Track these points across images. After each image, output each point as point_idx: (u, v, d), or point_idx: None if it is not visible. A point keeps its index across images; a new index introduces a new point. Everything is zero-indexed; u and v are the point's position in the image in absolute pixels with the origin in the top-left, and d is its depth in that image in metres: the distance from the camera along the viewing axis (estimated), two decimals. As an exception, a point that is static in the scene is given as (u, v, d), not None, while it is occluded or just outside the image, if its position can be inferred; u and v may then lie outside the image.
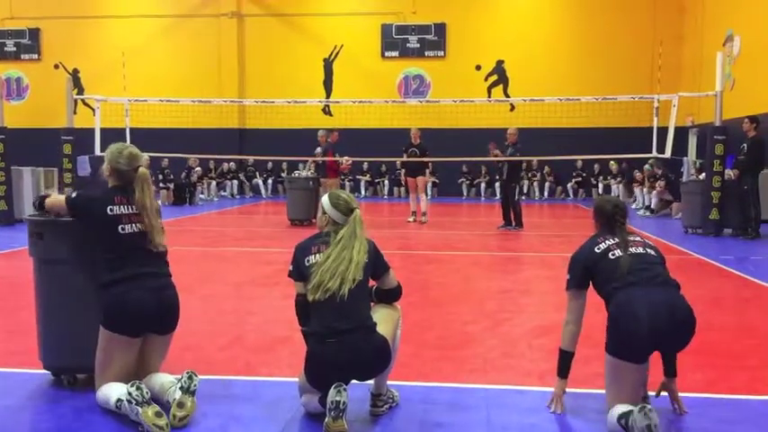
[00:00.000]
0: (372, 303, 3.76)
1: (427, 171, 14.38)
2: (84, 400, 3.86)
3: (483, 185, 23.23)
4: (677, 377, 3.70)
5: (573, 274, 3.69)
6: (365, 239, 3.65)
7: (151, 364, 3.85)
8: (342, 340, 3.43)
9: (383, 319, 3.64)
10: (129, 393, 3.43)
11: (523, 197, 22.83)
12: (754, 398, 4.00)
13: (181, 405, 3.50)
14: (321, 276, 3.50)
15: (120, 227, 3.74)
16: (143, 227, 3.78)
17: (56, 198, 3.99)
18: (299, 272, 3.62)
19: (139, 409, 3.39)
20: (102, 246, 3.76)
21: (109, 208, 3.76)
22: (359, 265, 3.54)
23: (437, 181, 23.31)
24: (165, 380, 3.73)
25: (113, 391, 3.59)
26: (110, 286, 3.70)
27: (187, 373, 3.62)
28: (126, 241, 3.74)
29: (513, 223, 12.92)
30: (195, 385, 3.58)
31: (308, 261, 3.59)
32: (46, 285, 4.08)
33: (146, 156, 4.02)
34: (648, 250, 3.63)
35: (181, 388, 3.56)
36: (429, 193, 22.63)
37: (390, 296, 3.80)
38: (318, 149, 14.01)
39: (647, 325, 3.33)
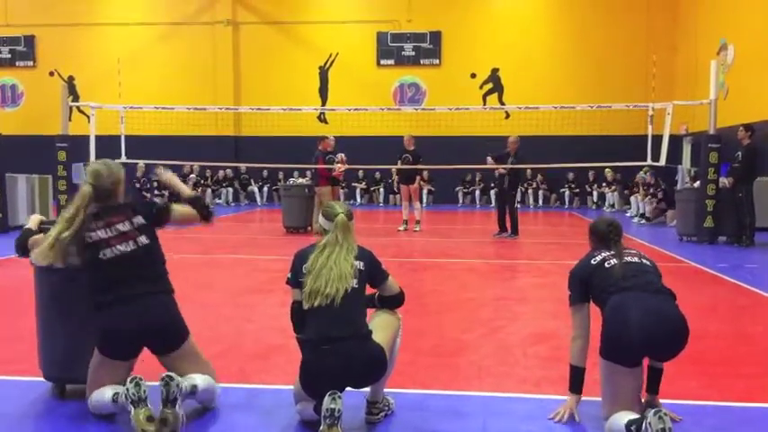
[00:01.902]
0: (374, 309, 3.77)
1: (417, 178, 14.17)
2: (80, 408, 3.84)
3: (478, 193, 23.26)
4: (659, 395, 3.73)
5: (573, 288, 3.74)
6: (355, 246, 3.66)
7: (184, 373, 3.67)
8: (336, 348, 3.43)
9: (382, 327, 3.64)
10: (127, 390, 3.35)
11: (518, 205, 22.91)
12: (749, 405, 4.01)
13: (164, 422, 3.31)
14: (313, 283, 3.52)
15: (101, 252, 3.63)
16: (126, 247, 3.65)
17: (38, 237, 3.83)
18: (297, 279, 3.63)
19: (133, 409, 3.32)
20: (87, 271, 3.68)
21: (88, 235, 3.64)
22: (351, 269, 3.54)
23: (432, 189, 23.33)
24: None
25: (107, 390, 3.54)
26: (97, 310, 3.63)
27: (162, 380, 3.37)
28: (108, 266, 3.63)
29: (509, 231, 12.91)
30: (173, 393, 3.34)
31: (306, 269, 3.61)
32: (46, 294, 4.05)
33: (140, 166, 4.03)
34: (644, 261, 3.71)
35: (162, 401, 3.36)
36: (425, 200, 22.66)
37: (392, 303, 3.80)
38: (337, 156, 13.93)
39: (638, 328, 3.37)
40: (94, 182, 3.70)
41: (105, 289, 3.62)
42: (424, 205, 22.35)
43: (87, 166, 3.84)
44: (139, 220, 3.73)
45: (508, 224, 12.98)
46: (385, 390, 3.71)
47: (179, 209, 3.98)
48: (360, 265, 3.61)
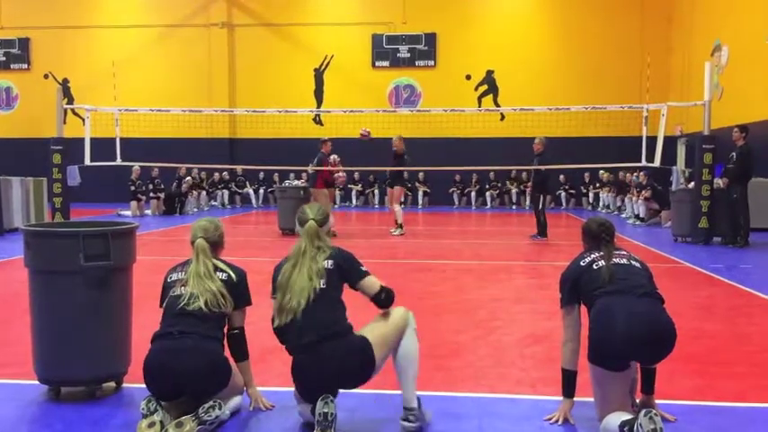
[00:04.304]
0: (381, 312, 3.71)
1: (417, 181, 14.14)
2: (75, 411, 3.85)
3: (474, 195, 23.28)
4: (654, 394, 3.73)
5: (563, 291, 3.72)
6: (327, 247, 3.62)
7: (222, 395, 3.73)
8: (309, 355, 3.43)
9: (373, 324, 3.61)
10: (141, 407, 3.45)
11: (513, 206, 22.97)
12: (743, 405, 4.01)
13: (179, 425, 3.41)
14: (281, 299, 3.53)
15: (172, 290, 3.78)
16: (188, 289, 3.73)
17: None
18: (275, 290, 3.64)
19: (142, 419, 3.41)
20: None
21: (169, 276, 3.87)
22: (315, 274, 3.51)
23: (428, 190, 23.35)
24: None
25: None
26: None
27: (213, 403, 3.53)
28: (169, 302, 3.76)
29: (537, 232, 12.80)
30: (209, 416, 3.48)
31: (278, 279, 3.62)
32: (40, 296, 4.05)
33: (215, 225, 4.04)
34: (633, 262, 3.68)
35: (196, 413, 3.48)
36: (420, 202, 22.70)
37: (378, 303, 3.67)
38: (333, 159, 14.00)
39: (624, 333, 3.35)
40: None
41: (161, 323, 3.77)
42: (419, 207, 22.43)
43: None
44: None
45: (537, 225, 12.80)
46: (390, 392, 3.67)
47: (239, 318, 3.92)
48: (328, 264, 3.57)
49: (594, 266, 3.62)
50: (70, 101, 23.02)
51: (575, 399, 3.73)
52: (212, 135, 23.56)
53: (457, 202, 23.49)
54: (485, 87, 23.58)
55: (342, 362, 3.42)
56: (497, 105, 22.84)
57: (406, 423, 3.53)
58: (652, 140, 13.43)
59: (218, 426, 3.57)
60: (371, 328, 3.58)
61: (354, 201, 23.60)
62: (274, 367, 4.67)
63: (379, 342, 3.51)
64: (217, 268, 3.82)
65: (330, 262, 3.58)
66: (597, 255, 3.68)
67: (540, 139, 12.81)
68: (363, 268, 3.67)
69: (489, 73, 23.51)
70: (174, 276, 3.84)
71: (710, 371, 4.65)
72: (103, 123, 16.52)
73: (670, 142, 17.23)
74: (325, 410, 3.27)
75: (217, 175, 23.21)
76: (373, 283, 3.66)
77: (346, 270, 3.62)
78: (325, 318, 3.49)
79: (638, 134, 14.05)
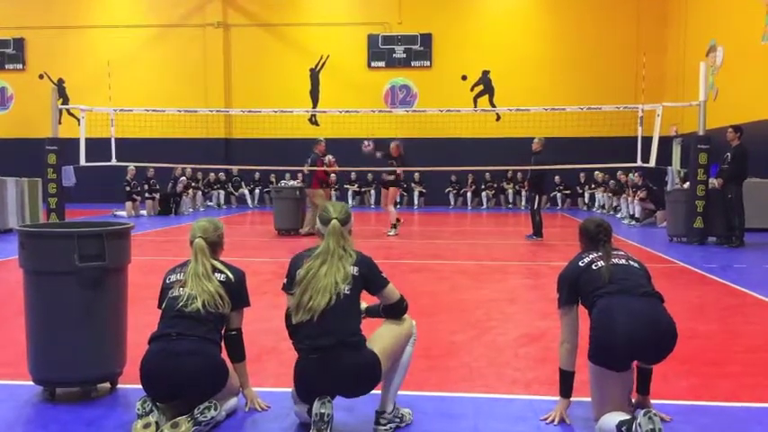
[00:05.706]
0: (382, 319, 3.70)
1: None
2: (70, 412, 3.84)
3: (469, 195, 23.30)
4: (649, 394, 3.75)
5: (561, 292, 3.72)
6: (352, 251, 3.57)
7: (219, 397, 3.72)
8: (322, 357, 3.39)
9: (382, 335, 3.58)
10: (137, 407, 3.44)
11: (509, 206, 23.00)
12: (738, 405, 4.02)
13: (175, 425, 3.40)
14: (300, 297, 3.46)
15: (170, 291, 3.76)
16: (186, 290, 3.71)
17: None
18: (292, 284, 3.57)
19: (137, 419, 3.41)
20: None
21: (168, 278, 3.86)
22: (342, 277, 3.46)
23: (424, 190, 23.36)
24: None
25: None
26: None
27: (208, 403, 3.53)
28: (167, 303, 3.74)
29: (532, 232, 12.83)
30: (204, 417, 3.48)
31: (299, 274, 3.54)
32: (35, 297, 4.04)
33: (218, 225, 4.02)
34: (631, 263, 3.69)
35: (192, 413, 3.48)
36: (416, 203, 22.72)
37: (394, 311, 3.66)
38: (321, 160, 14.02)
39: (626, 333, 3.36)
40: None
41: (159, 324, 3.74)
42: (415, 207, 22.46)
43: None
44: None
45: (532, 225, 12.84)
46: (401, 393, 3.64)
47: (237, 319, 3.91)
48: (354, 270, 3.51)
49: (594, 267, 3.62)
50: (65, 101, 22.96)
51: (571, 399, 3.73)
52: (208, 135, 23.54)
53: (453, 203, 23.51)
54: (480, 88, 23.59)
55: (352, 375, 3.40)
56: (493, 106, 22.84)
57: (379, 427, 3.51)
58: (647, 141, 13.46)
59: (213, 426, 3.56)
60: (380, 339, 3.55)
61: (350, 201, 23.58)
62: (270, 368, 4.67)
63: (385, 357, 3.50)
64: (215, 269, 3.81)
65: (356, 269, 3.52)
66: (596, 255, 3.69)
67: (540, 138, 12.86)
68: (384, 275, 3.63)
69: (485, 73, 23.52)
70: (173, 277, 3.83)
71: (705, 370, 4.67)
72: (99, 124, 16.48)
73: (665, 142, 17.28)
74: (323, 411, 3.27)
75: (212, 175, 23.18)
76: (394, 292, 3.64)
77: (369, 278, 3.57)
78: (345, 324, 3.45)
79: (634, 134, 14.07)
